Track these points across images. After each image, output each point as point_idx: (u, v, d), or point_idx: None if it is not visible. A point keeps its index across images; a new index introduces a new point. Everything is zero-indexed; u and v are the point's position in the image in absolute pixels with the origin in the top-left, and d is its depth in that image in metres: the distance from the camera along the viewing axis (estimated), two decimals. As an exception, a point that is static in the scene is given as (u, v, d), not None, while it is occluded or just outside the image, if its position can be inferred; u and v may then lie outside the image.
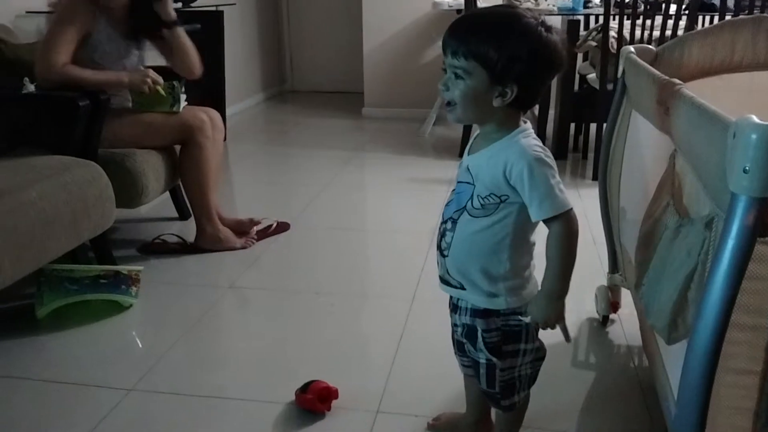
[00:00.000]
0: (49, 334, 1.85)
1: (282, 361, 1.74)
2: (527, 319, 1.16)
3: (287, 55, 6.14)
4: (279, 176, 3.64)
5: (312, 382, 1.51)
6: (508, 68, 1.03)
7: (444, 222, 1.18)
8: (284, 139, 4.54)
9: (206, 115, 2.36)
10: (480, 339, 1.17)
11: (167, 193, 2.62)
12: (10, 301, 1.99)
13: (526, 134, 1.10)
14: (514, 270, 1.13)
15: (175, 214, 2.74)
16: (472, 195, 1.11)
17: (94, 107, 2.03)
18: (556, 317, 1.12)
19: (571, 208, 1.07)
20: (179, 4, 3.73)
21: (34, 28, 2.64)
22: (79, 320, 1.91)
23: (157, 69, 2.40)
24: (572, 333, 1.81)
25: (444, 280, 1.21)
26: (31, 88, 2.12)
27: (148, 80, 2.24)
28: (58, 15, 2.17)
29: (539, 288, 1.15)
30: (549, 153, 1.09)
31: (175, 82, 2.35)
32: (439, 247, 1.19)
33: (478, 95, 1.06)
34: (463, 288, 1.17)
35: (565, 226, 1.07)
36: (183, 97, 2.36)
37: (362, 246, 2.64)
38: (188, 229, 2.50)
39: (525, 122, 1.12)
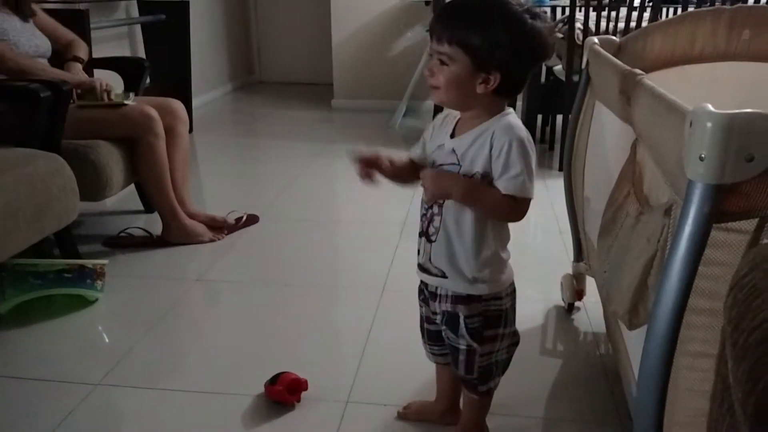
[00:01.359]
0: (13, 330, 1.81)
1: (251, 353, 1.73)
2: (507, 303, 1.19)
3: (255, 46, 6.08)
4: (248, 168, 3.61)
5: (281, 373, 1.51)
6: (491, 55, 1.04)
7: (429, 207, 1.17)
8: (253, 131, 4.50)
9: (155, 111, 2.29)
10: (462, 325, 1.18)
11: (132, 186, 2.58)
12: (-29, 297, 1.95)
13: (515, 118, 1.12)
14: (497, 254, 1.15)
15: (141, 207, 2.71)
16: None
17: (56, 99, 1.99)
18: (439, 193, 1.12)
19: (530, 200, 1.08)
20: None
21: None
22: (43, 315, 1.87)
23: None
24: (540, 321, 1.87)
25: (424, 269, 1.21)
26: None
27: (100, 84, 2.24)
28: None
29: (513, 276, 1.20)
30: (532, 140, 1.10)
31: (131, 94, 2.33)
32: (425, 233, 1.19)
33: (461, 81, 1.07)
34: (444, 276, 1.17)
35: (515, 206, 1.08)
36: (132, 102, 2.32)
37: (332, 237, 2.64)
38: (154, 222, 2.47)
39: (508, 107, 1.14)
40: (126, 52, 3.92)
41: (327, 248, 2.50)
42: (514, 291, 1.22)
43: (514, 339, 1.25)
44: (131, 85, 2.60)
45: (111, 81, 2.34)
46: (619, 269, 1.08)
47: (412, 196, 1.21)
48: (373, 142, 3.96)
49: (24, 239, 1.76)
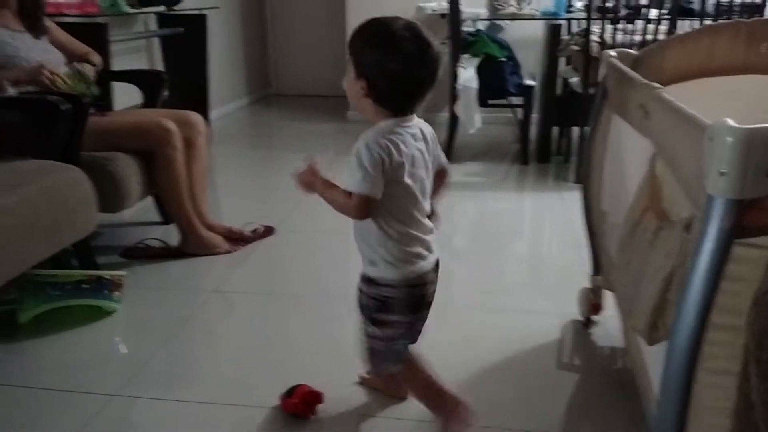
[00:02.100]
0: (31, 340, 1.83)
1: (267, 365, 1.73)
2: (401, 294, 1.28)
3: (271, 59, 6.13)
4: (264, 180, 3.63)
5: (297, 386, 1.51)
6: (360, 63, 1.21)
7: None
8: (269, 143, 4.52)
9: (174, 124, 2.29)
10: (360, 300, 1.34)
11: (150, 197, 2.60)
12: (-10, 307, 1.97)
13: (380, 128, 1.23)
14: (388, 243, 1.26)
15: (159, 218, 2.73)
16: None
17: (75, 111, 2.01)
18: (303, 189, 1.36)
19: (361, 194, 1.21)
20: (162, 8, 3.72)
21: None
22: (61, 326, 1.89)
23: None
24: (556, 335, 1.85)
25: None
26: (12, 91, 2.10)
27: (45, 72, 2.17)
28: None
29: (433, 271, 1.32)
30: (387, 148, 1.20)
31: (78, 67, 2.31)
32: None
33: (349, 86, 1.25)
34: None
35: (350, 203, 1.24)
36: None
37: (347, 249, 2.63)
38: (172, 233, 2.48)
39: (401, 119, 1.24)
40: (144, 65, 3.97)
41: (343, 260, 2.50)
42: (418, 285, 1.29)
43: (407, 334, 1.34)
44: (150, 98, 2.62)
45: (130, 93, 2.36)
46: (638, 284, 1.07)
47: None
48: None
49: (43, 250, 1.78)
